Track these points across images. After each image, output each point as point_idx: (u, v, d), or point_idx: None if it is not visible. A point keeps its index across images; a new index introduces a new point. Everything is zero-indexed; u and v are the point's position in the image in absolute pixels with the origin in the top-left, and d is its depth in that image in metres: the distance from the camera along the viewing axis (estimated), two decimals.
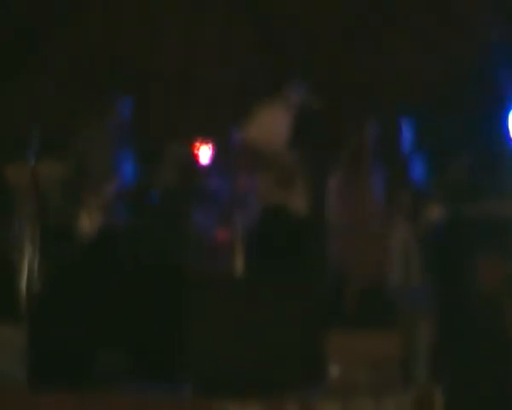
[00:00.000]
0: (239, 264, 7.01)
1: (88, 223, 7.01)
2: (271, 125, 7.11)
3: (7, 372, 5.77)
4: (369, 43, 8.75)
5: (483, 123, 7.76)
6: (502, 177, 7.28)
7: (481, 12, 7.80)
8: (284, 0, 8.75)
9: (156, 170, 7.46)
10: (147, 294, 6.26)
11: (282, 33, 8.85)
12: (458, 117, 8.06)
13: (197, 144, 8.23)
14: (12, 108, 8.39)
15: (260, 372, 5.57)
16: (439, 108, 8.28)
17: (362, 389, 5.77)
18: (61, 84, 8.58)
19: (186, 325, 5.71)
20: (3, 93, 8.35)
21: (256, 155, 7.04)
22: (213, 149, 8.23)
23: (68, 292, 6.27)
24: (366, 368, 5.80)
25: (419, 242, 7.15)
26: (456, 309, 6.64)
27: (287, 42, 8.83)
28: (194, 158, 7.90)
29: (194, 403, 5.57)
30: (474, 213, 7.04)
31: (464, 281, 6.78)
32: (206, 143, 8.26)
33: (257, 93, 7.53)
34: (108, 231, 7.04)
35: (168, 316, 6.10)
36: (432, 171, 7.37)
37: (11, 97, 8.45)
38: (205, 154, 8.11)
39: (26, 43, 8.39)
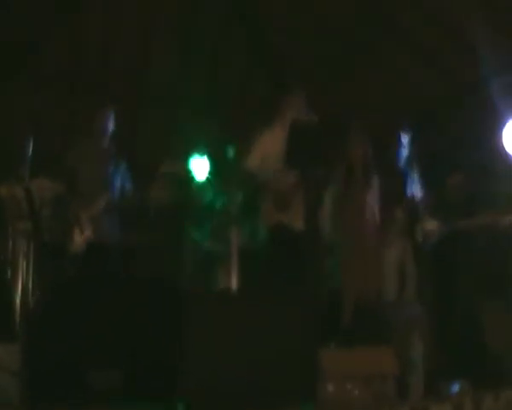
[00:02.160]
0: (235, 280, 6.98)
1: (81, 239, 7.00)
2: (268, 144, 7.09)
3: (1, 390, 5.69)
4: (369, 58, 8.81)
5: (479, 138, 7.77)
6: (497, 191, 7.30)
7: (477, 28, 7.66)
8: (282, 14, 8.71)
9: (150, 185, 7.49)
10: (141, 310, 6.18)
11: (279, 49, 8.88)
12: (454, 132, 8.12)
13: (192, 160, 8.24)
14: (4, 125, 8.38)
15: (257, 388, 5.54)
16: (435, 124, 8.34)
17: (356, 405, 5.77)
18: (51, 101, 8.51)
19: (182, 342, 5.68)
20: None
21: (252, 176, 7.04)
22: (209, 165, 8.24)
23: (62, 309, 6.20)
24: (360, 384, 5.78)
25: (415, 257, 7.19)
26: (451, 324, 6.65)
27: (283, 57, 8.87)
28: (190, 174, 7.87)
29: None
30: (469, 228, 7.04)
31: (460, 296, 6.78)
32: (202, 159, 8.26)
33: (253, 110, 7.46)
34: (102, 247, 7.01)
35: (163, 332, 6.01)
36: (428, 186, 7.37)
37: (2, 114, 8.43)
38: (200, 169, 8.10)
39: (15, 59, 8.37)
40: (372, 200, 7.04)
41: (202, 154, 8.35)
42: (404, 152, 7.30)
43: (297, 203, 7.01)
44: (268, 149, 7.01)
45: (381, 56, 8.75)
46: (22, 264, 6.68)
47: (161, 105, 9.12)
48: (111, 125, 7.31)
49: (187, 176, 7.82)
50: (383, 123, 8.24)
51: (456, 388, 6.13)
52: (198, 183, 7.87)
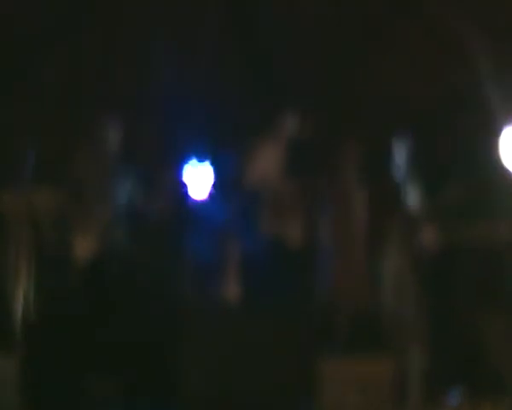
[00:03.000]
0: (234, 291, 6.93)
1: (83, 250, 6.98)
2: (265, 156, 7.17)
3: (1, 401, 5.76)
4: (367, 69, 8.73)
5: (476, 148, 7.71)
6: (495, 201, 7.25)
7: (474, 37, 7.78)
8: (275, 26, 8.68)
9: (151, 196, 7.46)
10: (142, 320, 6.28)
11: (272, 60, 8.83)
12: (452, 141, 8.06)
13: (192, 171, 8.16)
14: (6, 134, 8.26)
15: (255, 397, 5.65)
16: (433, 133, 8.26)
17: None
18: (52, 110, 8.52)
19: (181, 351, 5.81)
20: None
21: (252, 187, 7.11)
22: (209, 176, 8.10)
23: (64, 320, 6.33)
24: (358, 392, 5.84)
25: (412, 266, 7.13)
26: (450, 333, 6.68)
27: (277, 68, 8.79)
28: (189, 184, 7.82)
29: None
30: (468, 237, 7.06)
31: (459, 305, 6.80)
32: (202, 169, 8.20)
33: (249, 123, 7.51)
34: (104, 257, 7.00)
35: (163, 342, 6.12)
36: (426, 195, 7.36)
37: (5, 124, 8.42)
38: (200, 180, 8.03)
39: (16, 68, 8.37)
40: (369, 210, 7.09)
41: (204, 164, 8.36)
42: (402, 160, 7.32)
43: (295, 214, 7.06)
44: (267, 160, 7.10)
45: (377, 61, 8.68)
46: (24, 274, 6.66)
47: (163, 114, 9.12)
48: (114, 135, 7.35)
49: (188, 186, 7.75)
50: (380, 130, 8.12)
51: (454, 395, 6.15)
52: (198, 193, 7.76)
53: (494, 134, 7.58)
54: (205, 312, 6.13)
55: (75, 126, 8.12)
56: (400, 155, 7.27)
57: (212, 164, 7.94)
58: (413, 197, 7.21)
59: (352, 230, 7.00)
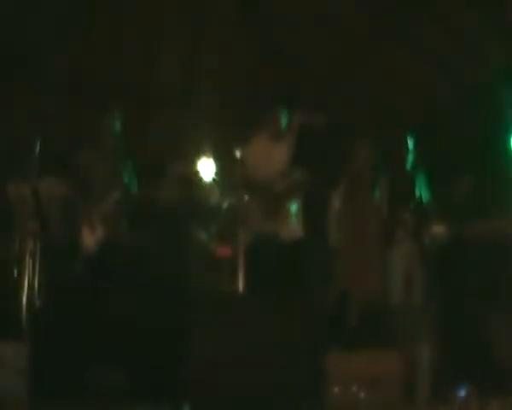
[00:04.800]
0: (240, 282, 6.89)
1: (89, 238, 6.98)
2: (275, 149, 7.07)
3: (8, 388, 5.72)
4: (375, 58, 8.80)
5: (486, 143, 7.74)
6: (504, 196, 7.29)
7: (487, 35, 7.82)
8: (289, 17, 8.69)
9: (157, 185, 7.42)
10: (148, 311, 6.26)
11: (285, 50, 8.85)
12: (462, 137, 8.05)
13: (200, 161, 8.24)
14: (12, 124, 8.36)
15: (261, 393, 5.51)
16: (443, 127, 8.29)
17: (362, 409, 5.75)
18: (60, 100, 8.48)
19: (186, 343, 5.65)
20: (4, 108, 8.32)
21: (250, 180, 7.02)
22: (215, 167, 8.26)
23: (69, 309, 6.29)
24: (366, 387, 5.78)
25: (422, 260, 7.11)
26: (458, 328, 6.64)
27: (289, 59, 8.82)
28: (197, 175, 7.87)
29: None
30: (477, 232, 7.00)
31: (467, 300, 6.77)
32: (208, 160, 8.25)
33: (258, 113, 7.42)
34: (110, 246, 6.98)
35: (169, 334, 6.06)
36: (435, 189, 7.34)
37: (12, 112, 8.41)
38: (207, 170, 8.11)
39: (26, 58, 8.38)
40: (378, 203, 7.07)
41: (209, 155, 8.33)
42: (412, 154, 7.26)
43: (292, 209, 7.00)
44: (272, 151, 7.00)
45: (388, 55, 8.73)
46: (29, 264, 6.61)
47: (169, 106, 9.07)
48: (120, 125, 7.26)
49: (194, 177, 7.77)
50: (390, 124, 8.23)
51: (462, 392, 6.07)
52: (205, 184, 7.84)
53: (506, 130, 7.58)
54: (211, 302, 5.96)
55: (82, 114, 8.17)
56: (412, 149, 7.22)
57: (220, 153, 7.92)
58: (424, 191, 7.18)
59: (360, 221, 6.98)
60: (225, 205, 7.71)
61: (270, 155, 6.91)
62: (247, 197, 6.98)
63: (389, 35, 8.59)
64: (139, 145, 7.85)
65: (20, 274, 6.65)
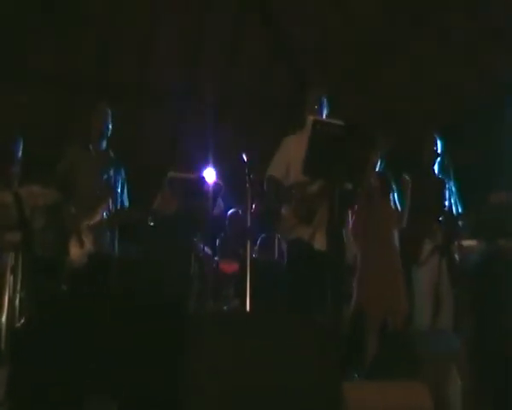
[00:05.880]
0: (247, 298, 6.33)
1: (77, 252, 6.61)
2: (292, 150, 6.64)
3: None
4: (400, 58, 8.61)
5: None
6: None
7: None
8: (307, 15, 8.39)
9: (155, 193, 6.92)
10: (143, 330, 5.61)
11: (300, 45, 8.59)
12: (495, 147, 7.86)
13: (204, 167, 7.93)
14: None
15: None
16: (476, 137, 8.07)
17: None
18: (44, 101, 8.16)
19: (186, 366, 5.18)
20: None
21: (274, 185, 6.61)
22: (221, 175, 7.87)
23: (54, 329, 5.64)
24: None
25: (451, 278, 6.81)
26: (492, 356, 6.08)
27: (307, 59, 8.60)
28: (201, 182, 7.25)
29: None
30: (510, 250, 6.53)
31: (503, 324, 6.22)
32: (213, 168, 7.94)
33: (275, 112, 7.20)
34: (99, 261, 6.58)
35: (165, 355, 5.47)
36: (467, 202, 6.98)
37: None
38: (210, 179, 7.55)
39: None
40: (404, 217, 6.77)
41: (215, 161, 7.94)
42: (442, 165, 6.95)
43: (321, 217, 6.44)
44: (292, 155, 6.55)
45: (416, 56, 8.54)
46: (9, 279, 6.20)
47: (167, 107, 8.57)
48: (111, 128, 6.98)
49: (198, 184, 7.15)
50: (420, 133, 7.72)
51: None
52: (209, 192, 7.14)
53: None
54: (214, 321, 5.42)
55: (69, 117, 7.95)
56: (442, 158, 6.91)
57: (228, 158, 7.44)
58: (455, 200, 6.82)
59: (384, 235, 6.65)
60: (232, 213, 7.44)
61: (297, 154, 6.39)
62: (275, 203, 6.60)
63: (417, 34, 8.37)
64: (133, 149, 7.45)
65: (0, 290, 6.19)
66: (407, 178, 6.82)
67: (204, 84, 8.58)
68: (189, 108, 8.59)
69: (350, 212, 6.76)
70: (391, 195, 6.82)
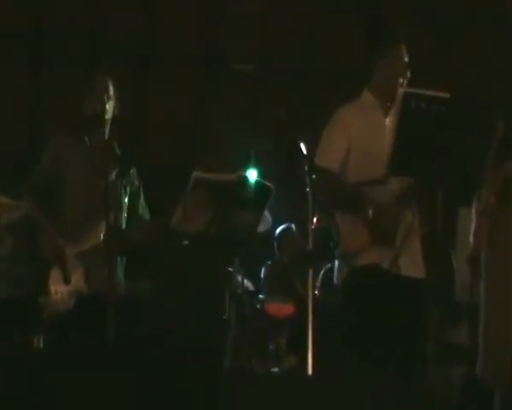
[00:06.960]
0: (308, 358, 4.95)
1: (59, 292, 5.41)
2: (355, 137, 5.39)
3: None
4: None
5: None
6: None
7: None
8: None
9: (171, 209, 5.69)
10: (150, 389, 4.46)
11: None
12: None
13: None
14: None
15: None
16: None
17: None
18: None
19: None
20: None
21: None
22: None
23: (25, 400, 4.46)
24: None
25: None
26: None
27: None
28: (238, 188, 5.69)
29: None
30: None
31: None
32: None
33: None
34: (93, 303, 5.42)
35: None
36: None
37: None
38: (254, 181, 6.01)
39: None
40: None
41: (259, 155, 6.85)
42: None
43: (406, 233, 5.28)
44: (354, 136, 5.32)
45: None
46: None
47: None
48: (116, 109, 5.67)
49: (237, 188, 5.66)
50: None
51: None
52: (253, 200, 5.66)
53: None
54: (249, 380, 4.60)
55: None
56: None
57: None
58: None
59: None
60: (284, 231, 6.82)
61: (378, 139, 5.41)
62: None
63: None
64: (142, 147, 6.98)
65: None
66: None
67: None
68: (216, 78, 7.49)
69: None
70: None
